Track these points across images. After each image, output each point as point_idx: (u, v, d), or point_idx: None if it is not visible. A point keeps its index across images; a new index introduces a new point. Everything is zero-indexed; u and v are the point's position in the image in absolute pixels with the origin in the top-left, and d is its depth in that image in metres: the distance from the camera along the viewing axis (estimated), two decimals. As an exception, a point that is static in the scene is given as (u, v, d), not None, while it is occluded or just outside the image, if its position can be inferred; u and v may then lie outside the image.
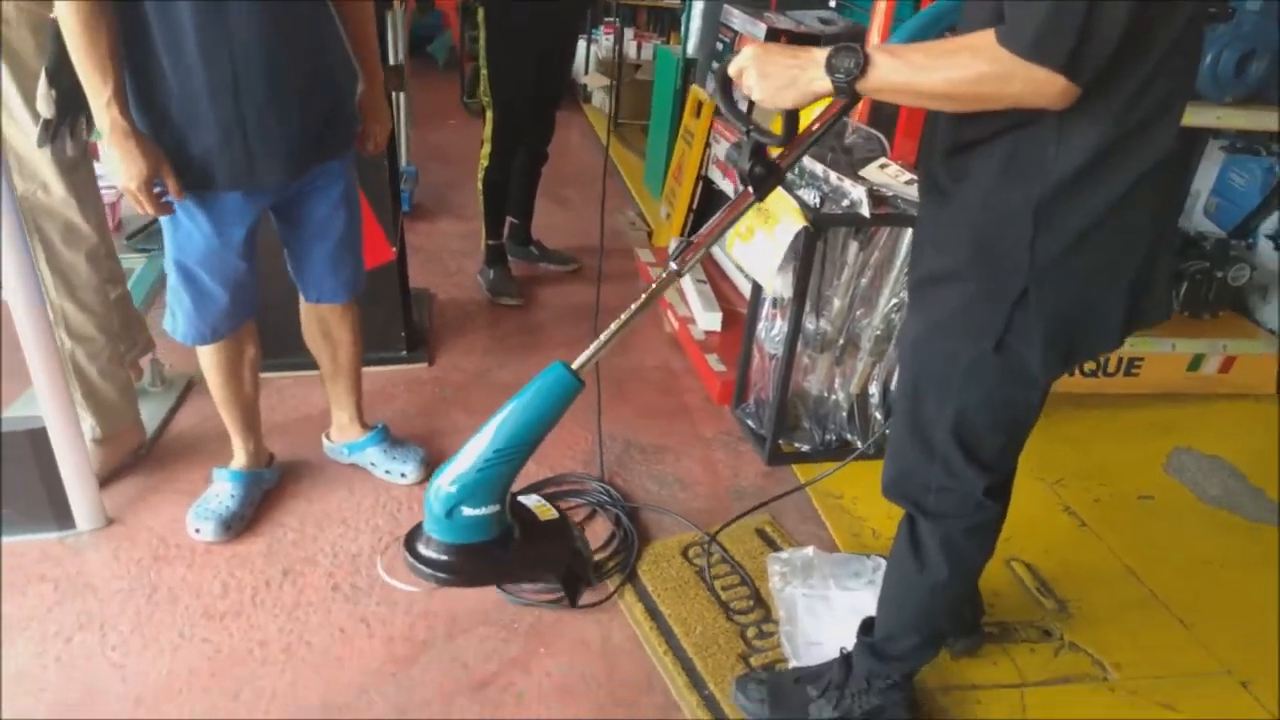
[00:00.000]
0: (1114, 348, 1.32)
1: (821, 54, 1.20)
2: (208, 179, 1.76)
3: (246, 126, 1.72)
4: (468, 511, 1.45)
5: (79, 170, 2.05)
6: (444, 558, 1.49)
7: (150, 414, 2.47)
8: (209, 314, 1.95)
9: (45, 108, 1.79)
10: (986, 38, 1.09)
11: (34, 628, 1.84)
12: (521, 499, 1.64)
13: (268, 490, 2.26)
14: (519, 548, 1.54)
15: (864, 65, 1.15)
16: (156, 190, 1.71)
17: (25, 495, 2.03)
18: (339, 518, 2.22)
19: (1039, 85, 1.07)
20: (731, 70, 1.30)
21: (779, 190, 2.24)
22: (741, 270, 3.24)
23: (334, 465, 2.40)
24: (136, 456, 2.35)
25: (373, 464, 2.35)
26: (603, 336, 1.44)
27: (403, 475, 2.33)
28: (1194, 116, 2.51)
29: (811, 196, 2.27)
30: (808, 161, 2.38)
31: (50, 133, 1.84)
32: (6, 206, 1.74)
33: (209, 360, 2.05)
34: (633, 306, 1.44)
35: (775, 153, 1.40)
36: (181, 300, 1.93)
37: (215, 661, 1.80)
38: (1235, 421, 2.98)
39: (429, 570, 1.49)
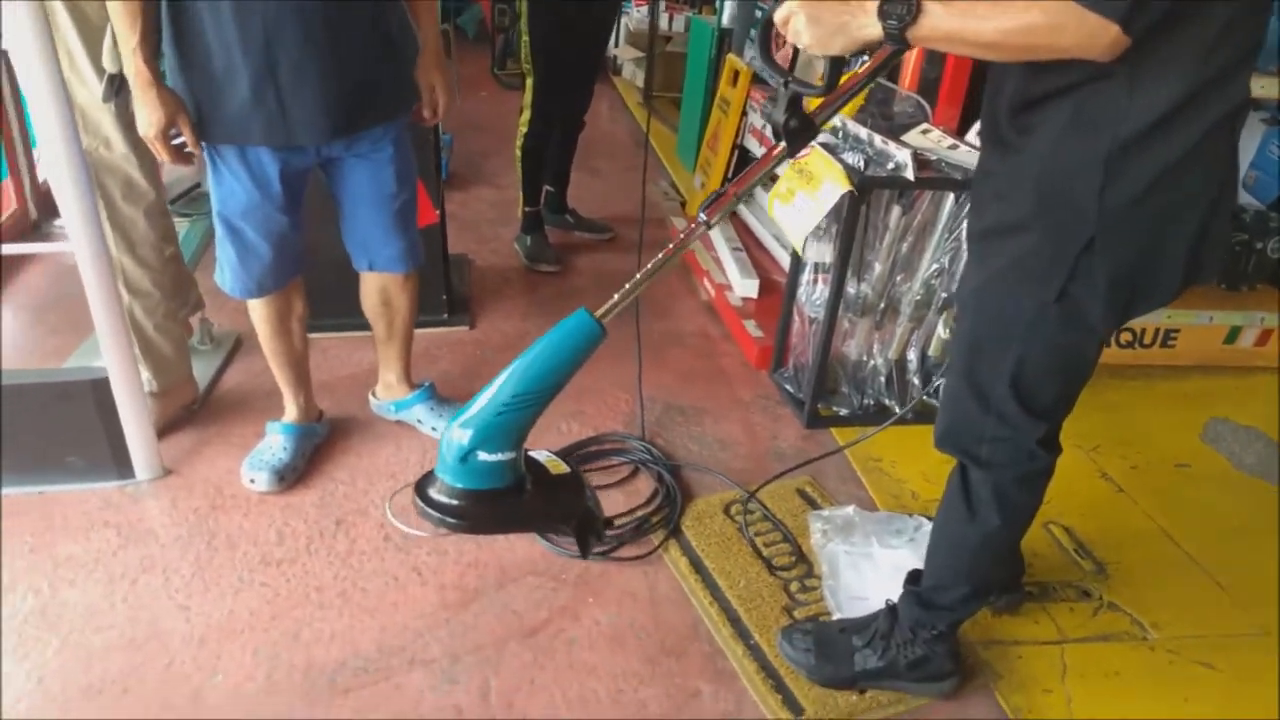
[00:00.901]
0: (1171, 300, 1.33)
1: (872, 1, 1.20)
2: (243, 133, 1.81)
3: (279, 82, 1.75)
4: (483, 456, 1.42)
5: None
6: (455, 502, 1.46)
7: (201, 371, 2.52)
8: (254, 268, 2.00)
9: (110, 63, 1.84)
10: None
11: (100, 570, 1.90)
12: (532, 454, 1.60)
13: (318, 444, 2.31)
14: (531, 497, 1.52)
15: (916, 12, 1.15)
16: (176, 141, 1.76)
17: (87, 444, 2.09)
18: (388, 472, 2.27)
19: (1091, 37, 1.07)
20: (778, 16, 1.28)
21: (823, 153, 2.28)
22: (779, 236, 3.25)
23: (381, 422, 2.45)
24: (190, 411, 2.41)
25: (419, 420, 2.40)
26: (628, 285, 1.44)
27: (449, 432, 2.37)
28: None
29: (855, 160, 2.28)
30: (851, 125, 2.39)
31: (114, 88, 1.88)
32: (77, 161, 1.78)
33: (258, 314, 2.10)
34: (659, 256, 1.44)
35: (813, 106, 1.39)
36: (228, 254, 1.98)
37: (275, 604, 1.85)
38: (1272, 394, 2.98)
39: (438, 515, 1.47)
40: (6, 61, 3.17)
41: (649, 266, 1.44)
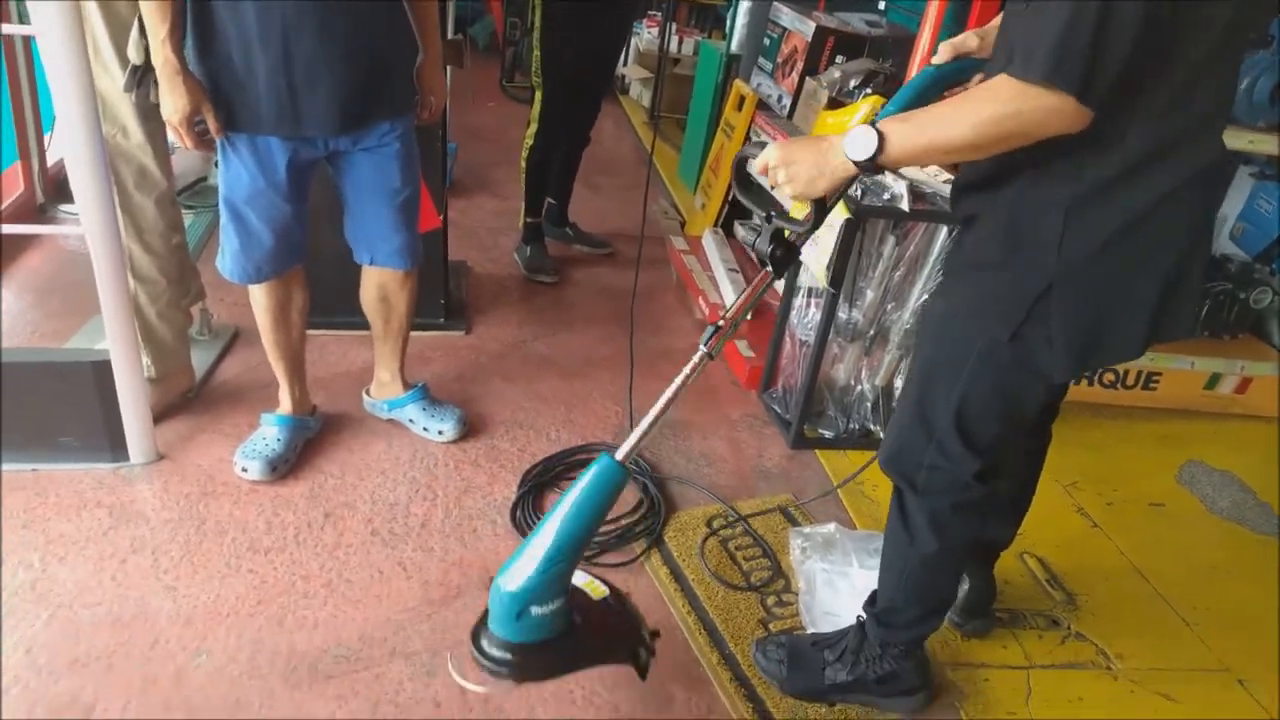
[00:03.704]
0: (1133, 358, 1.37)
1: (839, 139, 1.27)
2: (255, 121, 1.88)
3: (293, 76, 1.83)
4: (536, 611, 1.48)
5: (155, 117, 2.13)
6: (515, 657, 1.52)
7: (198, 361, 2.55)
8: (255, 254, 2.05)
9: (135, 55, 1.89)
10: (995, 81, 1.16)
11: (90, 548, 1.94)
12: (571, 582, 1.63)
13: (310, 438, 2.35)
14: (584, 637, 1.57)
15: (880, 141, 1.23)
16: (198, 128, 1.84)
17: (84, 425, 2.12)
18: (378, 468, 2.31)
19: (1051, 113, 1.13)
20: (757, 167, 1.37)
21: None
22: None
23: (373, 420, 2.49)
24: (185, 399, 2.45)
25: (411, 420, 2.44)
26: (642, 424, 1.49)
27: (440, 433, 2.41)
28: (1226, 140, 2.58)
29: (853, 188, 2.33)
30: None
31: (136, 78, 1.93)
32: (97, 146, 1.84)
33: (259, 303, 2.15)
34: (667, 393, 1.49)
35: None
36: (230, 238, 2.04)
37: (261, 591, 1.89)
38: (1248, 440, 3.04)
39: (505, 670, 1.52)
40: (26, 48, 3.22)
41: (659, 404, 1.48)
